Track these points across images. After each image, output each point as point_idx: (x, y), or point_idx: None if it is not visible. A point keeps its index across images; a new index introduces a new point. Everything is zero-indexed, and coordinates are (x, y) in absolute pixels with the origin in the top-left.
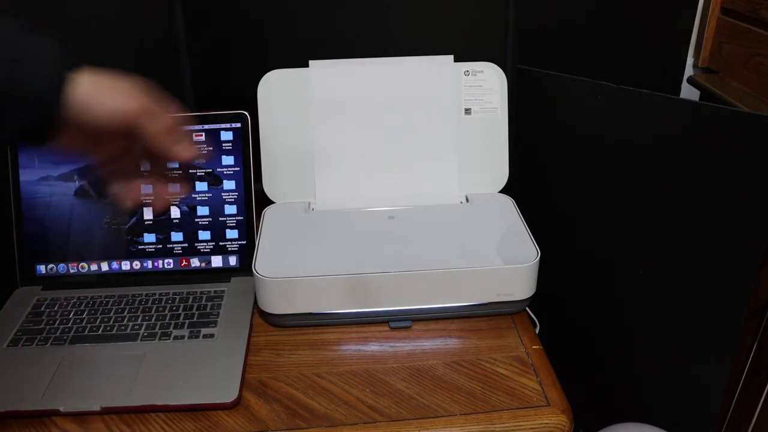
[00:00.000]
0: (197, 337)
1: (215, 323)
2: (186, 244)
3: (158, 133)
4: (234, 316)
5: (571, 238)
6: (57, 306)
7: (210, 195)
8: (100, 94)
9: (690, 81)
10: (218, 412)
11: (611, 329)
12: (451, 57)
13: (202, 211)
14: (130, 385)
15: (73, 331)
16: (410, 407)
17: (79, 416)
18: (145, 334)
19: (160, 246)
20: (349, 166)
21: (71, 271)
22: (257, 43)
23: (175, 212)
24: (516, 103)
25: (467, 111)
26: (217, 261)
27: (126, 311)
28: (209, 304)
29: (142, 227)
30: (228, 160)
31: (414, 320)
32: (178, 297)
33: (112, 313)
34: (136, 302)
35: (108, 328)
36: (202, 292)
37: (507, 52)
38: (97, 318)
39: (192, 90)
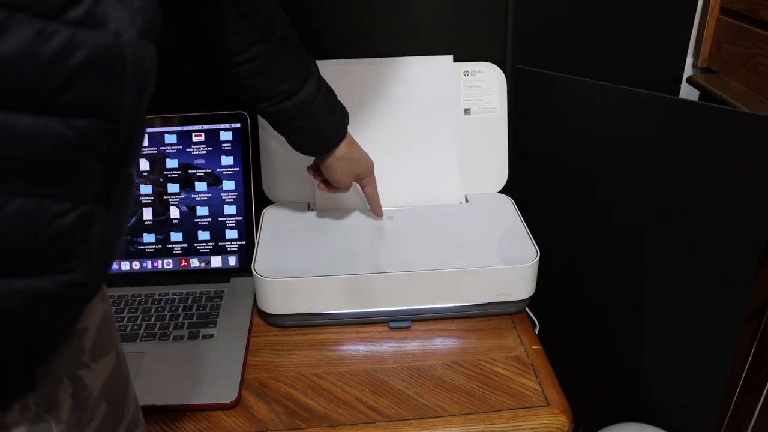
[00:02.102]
0: (197, 337)
1: (215, 323)
2: (185, 245)
3: (368, 192)
4: (233, 316)
5: (571, 238)
6: None
7: (209, 195)
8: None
9: (689, 81)
10: (218, 412)
11: (611, 329)
12: (451, 57)
13: (202, 211)
14: None
15: None
16: (410, 407)
17: None
18: (145, 334)
19: (160, 246)
20: None
21: None
22: None
23: (174, 212)
24: (515, 103)
25: (467, 111)
26: (216, 261)
27: (125, 312)
28: (209, 304)
29: (141, 227)
30: (228, 160)
31: (413, 320)
32: (177, 297)
33: None
34: (136, 303)
35: None
36: (201, 293)
37: (507, 52)
38: None
39: (192, 90)
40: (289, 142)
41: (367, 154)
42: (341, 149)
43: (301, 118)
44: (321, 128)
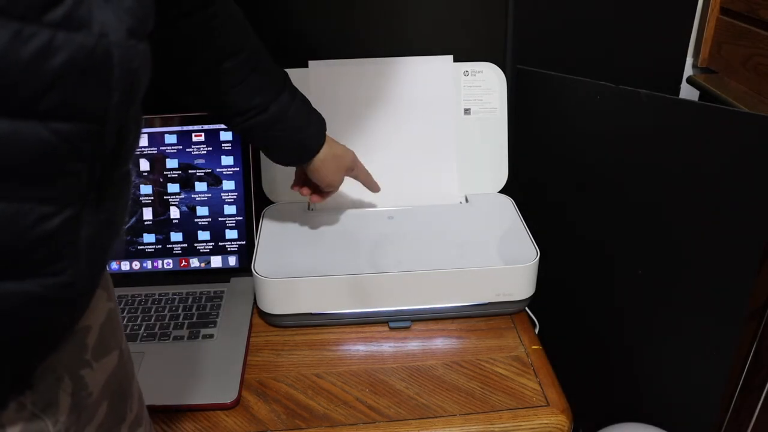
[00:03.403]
0: (197, 337)
1: (215, 323)
2: (185, 245)
3: (361, 178)
4: (233, 316)
5: (571, 238)
6: None
7: (209, 195)
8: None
9: (689, 81)
10: (218, 412)
11: (611, 329)
12: (451, 57)
13: (202, 211)
14: None
15: None
16: (410, 407)
17: None
18: (145, 334)
19: (160, 246)
20: None
21: None
22: None
23: (174, 212)
24: (515, 103)
25: (467, 111)
26: (216, 261)
27: (125, 312)
28: (209, 304)
29: (141, 227)
30: (228, 160)
31: (413, 320)
32: (177, 297)
33: None
34: (136, 303)
35: None
36: (201, 293)
37: (507, 52)
38: None
39: None
40: (270, 156)
41: (345, 146)
42: (323, 152)
43: (278, 129)
44: (299, 138)
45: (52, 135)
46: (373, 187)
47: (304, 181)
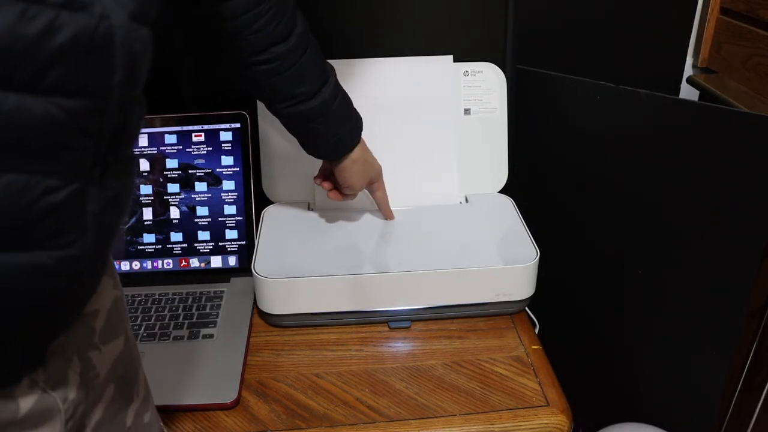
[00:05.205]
0: (197, 337)
1: (215, 323)
2: (185, 245)
3: (379, 196)
4: (233, 316)
5: (571, 238)
6: None
7: (209, 195)
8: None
9: (689, 81)
10: (218, 412)
11: (611, 329)
12: (451, 57)
13: (202, 211)
14: None
15: None
16: (410, 407)
17: None
18: (145, 334)
19: (160, 246)
20: None
21: None
22: None
23: (174, 212)
24: (515, 103)
25: (467, 111)
26: (216, 261)
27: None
28: (209, 304)
29: (141, 227)
30: (227, 160)
31: (413, 320)
32: (177, 297)
33: None
34: (136, 303)
35: None
36: (201, 293)
37: (507, 52)
38: None
39: (192, 90)
40: (303, 145)
41: (375, 158)
42: (356, 152)
43: (319, 122)
44: (336, 133)
45: (58, 110)
46: (387, 213)
47: (327, 175)
